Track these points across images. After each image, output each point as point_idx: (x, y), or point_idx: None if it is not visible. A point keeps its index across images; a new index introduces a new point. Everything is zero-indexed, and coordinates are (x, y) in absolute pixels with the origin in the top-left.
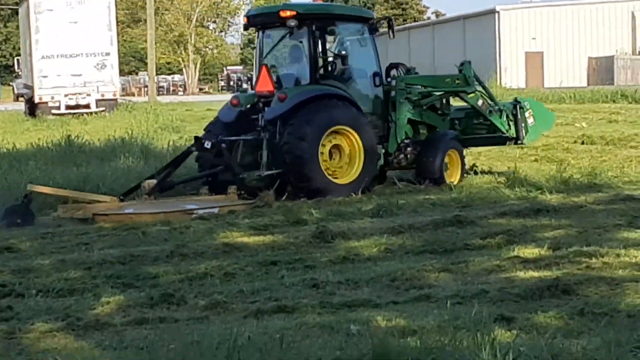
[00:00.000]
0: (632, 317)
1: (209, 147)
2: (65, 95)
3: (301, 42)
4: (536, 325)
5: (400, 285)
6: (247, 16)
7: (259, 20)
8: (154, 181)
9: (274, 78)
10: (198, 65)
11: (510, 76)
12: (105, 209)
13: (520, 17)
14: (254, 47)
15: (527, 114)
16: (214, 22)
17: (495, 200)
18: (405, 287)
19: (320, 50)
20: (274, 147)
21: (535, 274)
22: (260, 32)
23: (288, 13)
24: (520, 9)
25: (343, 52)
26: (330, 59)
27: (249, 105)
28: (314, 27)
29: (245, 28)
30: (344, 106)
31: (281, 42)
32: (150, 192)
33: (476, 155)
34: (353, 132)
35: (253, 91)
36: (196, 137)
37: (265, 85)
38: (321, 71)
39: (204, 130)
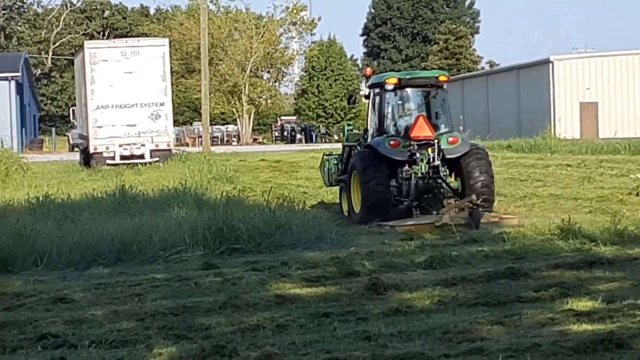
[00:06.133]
0: None
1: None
2: (120, 146)
3: (444, 100)
4: None
5: (453, 338)
6: (399, 78)
7: (412, 82)
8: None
9: (407, 126)
10: (252, 116)
11: (565, 127)
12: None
13: (575, 67)
14: (367, 99)
15: None
16: (268, 72)
17: (549, 252)
18: (458, 340)
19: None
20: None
21: (589, 327)
22: (399, 90)
23: (445, 78)
24: (575, 59)
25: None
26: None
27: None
28: (447, 90)
29: (396, 88)
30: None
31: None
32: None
33: (530, 206)
34: None
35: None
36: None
37: (423, 131)
38: None
39: (368, 169)
